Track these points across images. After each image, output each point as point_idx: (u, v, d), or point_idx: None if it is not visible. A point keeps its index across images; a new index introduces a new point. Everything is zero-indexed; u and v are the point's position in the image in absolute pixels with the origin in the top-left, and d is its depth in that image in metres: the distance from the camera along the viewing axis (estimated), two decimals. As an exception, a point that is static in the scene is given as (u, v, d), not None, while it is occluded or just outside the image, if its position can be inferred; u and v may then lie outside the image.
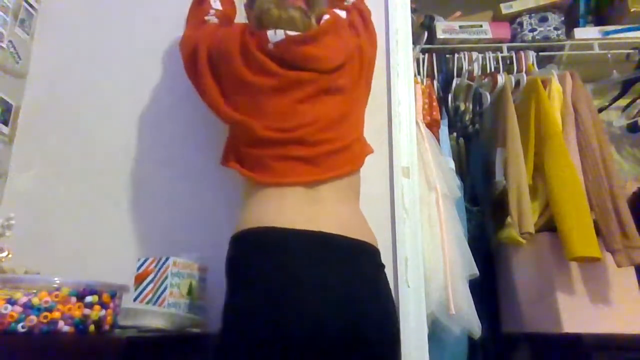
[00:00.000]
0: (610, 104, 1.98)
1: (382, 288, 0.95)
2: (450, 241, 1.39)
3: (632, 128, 2.00)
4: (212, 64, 1.10)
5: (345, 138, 1.04)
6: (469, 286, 1.40)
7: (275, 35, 1.02)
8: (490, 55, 1.92)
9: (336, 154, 1.01)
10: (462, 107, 1.95)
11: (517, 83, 1.76)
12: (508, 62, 1.93)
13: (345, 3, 1.23)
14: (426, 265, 1.24)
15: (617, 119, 2.02)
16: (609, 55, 1.89)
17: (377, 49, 1.22)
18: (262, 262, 0.89)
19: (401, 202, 1.28)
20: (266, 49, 1.02)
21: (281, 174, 0.98)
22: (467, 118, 1.93)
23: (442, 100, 1.88)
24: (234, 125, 1.09)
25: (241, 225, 0.96)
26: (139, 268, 1.12)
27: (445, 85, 1.93)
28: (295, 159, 0.99)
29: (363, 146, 1.11)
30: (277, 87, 1.01)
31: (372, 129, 1.22)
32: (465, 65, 1.90)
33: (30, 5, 1.56)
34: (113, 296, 0.86)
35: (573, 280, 1.45)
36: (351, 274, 0.90)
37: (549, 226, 1.50)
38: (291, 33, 1.02)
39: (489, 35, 2.01)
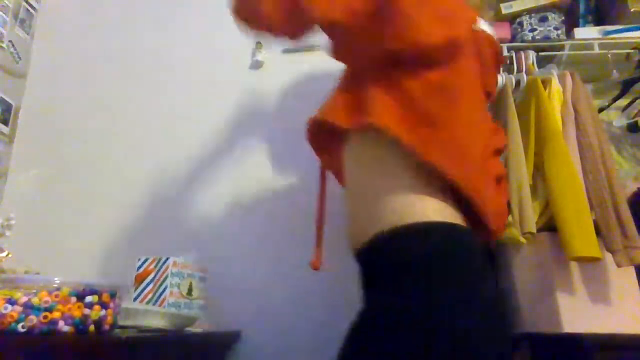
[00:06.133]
0: (610, 104, 1.98)
1: None
2: (451, 241, 1.39)
3: (632, 128, 1.99)
4: None
5: None
6: (469, 286, 1.40)
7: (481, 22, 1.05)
8: (490, 55, 1.92)
9: None
10: (462, 107, 1.94)
11: (517, 83, 1.76)
12: (508, 62, 1.93)
13: None
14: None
15: (617, 119, 2.01)
16: (609, 55, 1.89)
17: None
18: (475, 268, 0.76)
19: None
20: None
21: None
22: (467, 118, 1.93)
23: (442, 100, 1.87)
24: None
25: (422, 216, 0.76)
26: (139, 268, 1.12)
27: (446, 85, 1.93)
28: None
29: None
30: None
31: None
32: (465, 65, 1.89)
33: (30, 5, 1.56)
34: (113, 296, 0.86)
35: (573, 280, 1.45)
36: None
37: (549, 226, 1.49)
38: (487, 28, 1.05)
39: (489, 35, 2.01)
